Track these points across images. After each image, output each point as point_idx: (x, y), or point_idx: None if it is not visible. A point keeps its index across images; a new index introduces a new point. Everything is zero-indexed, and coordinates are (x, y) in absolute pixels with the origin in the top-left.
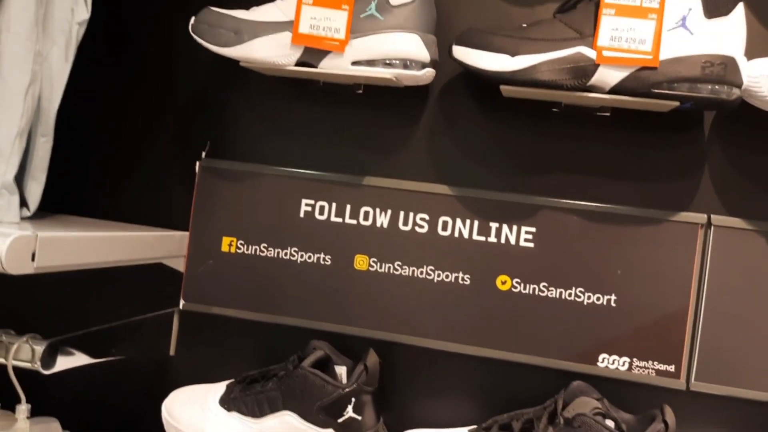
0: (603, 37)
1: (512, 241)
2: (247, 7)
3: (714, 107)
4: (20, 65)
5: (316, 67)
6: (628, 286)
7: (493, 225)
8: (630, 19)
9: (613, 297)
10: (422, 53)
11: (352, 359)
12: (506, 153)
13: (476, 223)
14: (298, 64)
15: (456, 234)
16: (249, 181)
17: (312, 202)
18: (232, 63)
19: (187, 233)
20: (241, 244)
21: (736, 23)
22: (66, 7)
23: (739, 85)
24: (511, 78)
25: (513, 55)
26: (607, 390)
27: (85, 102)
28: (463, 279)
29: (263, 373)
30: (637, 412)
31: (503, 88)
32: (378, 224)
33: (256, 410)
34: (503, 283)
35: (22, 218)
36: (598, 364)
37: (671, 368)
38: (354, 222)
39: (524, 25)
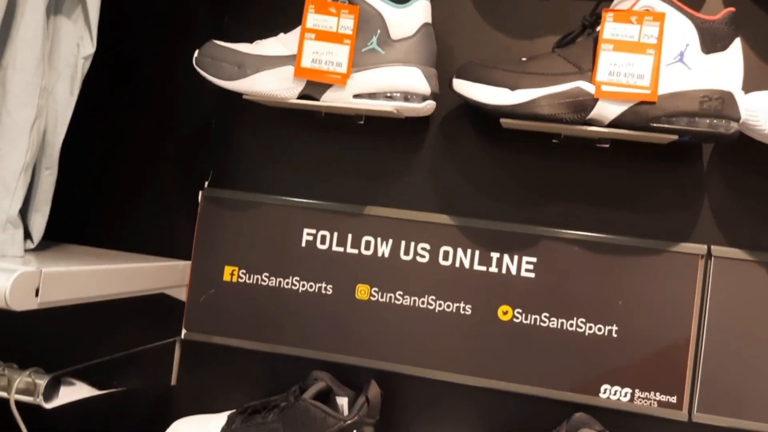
0: (602, 72)
1: (513, 271)
2: (249, 41)
3: (712, 140)
4: (26, 101)
5: (318, 99)
6: (629, 316)
7: (494, 255)
8: (628, 54)
9: (615, 327)
10: (423, 86)
11: (354, 390)
12: (507, 183)
13: (477, 252)
14: (300, 96)
15: (457, 264)
16: (251, 210)
17: (314, 231)
18: (235, 94)
19: (189, 262)
20: (243, 273)
21: (733, 58)
22: (72, 42)
23: (737, 119)
24: (510, 112)
25: (513, 89)
26: (609, 421)
27: (88, 131)
28: (464, 309)
29: (264, 403)
30: None
31: (503, 121)
32: (379, 254)
33: None
34: (505, 313)
35: (26, 250)
36: (600, 395)
37: (673, 399)
38: (355, 251)
39: (524, 59)
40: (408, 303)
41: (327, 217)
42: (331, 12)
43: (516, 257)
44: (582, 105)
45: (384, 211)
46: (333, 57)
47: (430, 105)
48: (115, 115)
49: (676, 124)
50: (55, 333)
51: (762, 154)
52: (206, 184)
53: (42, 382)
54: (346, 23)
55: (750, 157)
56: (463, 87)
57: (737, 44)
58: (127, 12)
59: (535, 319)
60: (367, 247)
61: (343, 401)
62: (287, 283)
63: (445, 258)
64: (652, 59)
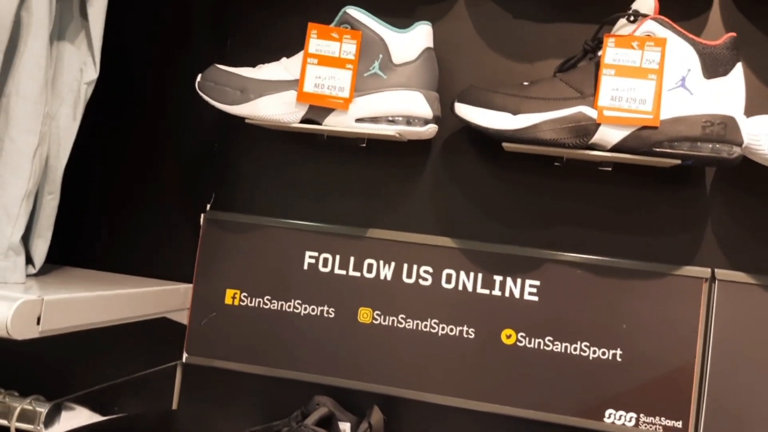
0: (604, 97)
1: (516, 294)
2: (252, 64)
3: (715, 164)
4: (29, 128)
5: (320, 124)
6: (633, 340)
7: (497, 278)
8: (630, 79)
9: (619, 351)
10: (425, 110)
11: (357, 415)
12: (509, 206)
13: (480, 276)
14: (303, 121)
15: (460, 287)
16: (253, 233)
17: (316, 254)
18: (238, 117)
19: (190, 286)
20: (244, 296)
21: (735, 83)
22: (75, 67)
23: (740, 144)
24: (513, 136)
25: (515, 113)
26: None
27: (91, 154)
28: (467, 333)
29: (266, 429)
30: None
31: (505, 144)
32: (382, 276)
33: None
34: (508, 337)
35: (28, 275)
36: (605, 419)
37: (678, 424)
38: (357, 274)
39: (525, 83)
40: (411, 326)
41: (329, 240)
42: (334, 37)
43: (519, 280)
44: (584, 130)
45: (386, 234)
46: (335, 82)
47: (432, 129)
48: (117, 137)
49: (679, 148)
50: (56, 358)
51: (765, 177)
52: (208, 206)
53: (43, 410)
54: (349, 48)
55: (753, 180)
56: (465, 111)
57: (739, 69)
58: (129, 36)
59: (539, 343)
60: (370, 270)
61: (345, 426)
62: (289, 307)
63: (448, 281)
64: (653, 84)
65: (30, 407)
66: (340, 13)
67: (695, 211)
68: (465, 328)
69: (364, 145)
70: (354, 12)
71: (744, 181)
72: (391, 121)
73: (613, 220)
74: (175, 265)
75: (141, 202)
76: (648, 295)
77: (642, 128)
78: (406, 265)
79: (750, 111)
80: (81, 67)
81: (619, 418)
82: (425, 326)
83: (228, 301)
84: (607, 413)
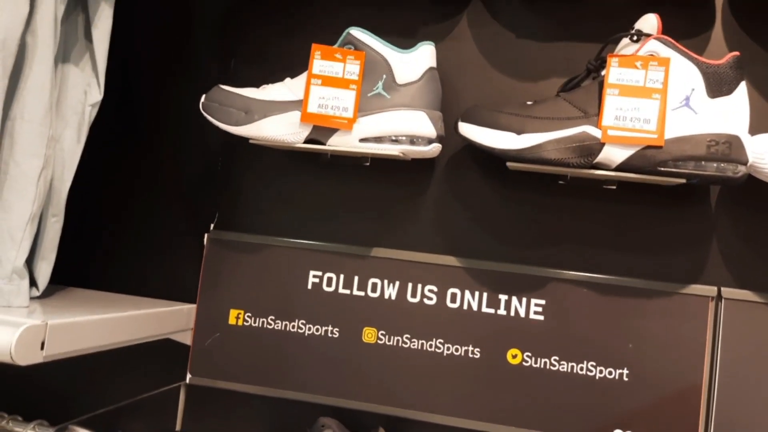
0: (608, 117)
1: (522, 313)
2: (255, 84)
3: (720, 183)
4: (34, 151)
5: (324, 144)
6: (640, 359)
7: (503, 297)
8: (634, 99)
9: (626, 371)
10: (429, 130)
11: None
12: (514, 224)
13: (485, 295)
14: (306, 141)
15: (465, 306)
16: (257, 252)
17: (320, 273)
18: (241, 137)
19: (194, 306)
20: (248, 316)
21: (739, 102)
22: (79, 89)
23: (745, 163)
24: (517, 156)
25: (519, 133)
26: None
27: (94, 175)
28: (473, 352)
29: None
30: None
31: (509, 164)
32: (386, 296)
33: None
34: (514, 356)
35: (31, 298)
36: None
37: None
38: (362, 294)
39: (529, 102)
40: (416, 346)
41: (333, 259)
42: (337, 58)
43: (524, 299)
44: (589, 149)
45: (390, 253)
46: (339, 102)
47: (435, 148)
48: (120, 158)
49: (684, 168)
50: (59, 381)
51: None
52: (212, 226)
53: None
54: (352, 69)
55: (758, 198)
56: (469, 131)
57: (743, 88)
58: (133, 57)
59: (545, 363)
60: (374, 290)
61: None
62: (293, 327)
63: (453, 300)
64: (658, 104)
65: None
66: (344, 34)
67: (701, 229)
68: (470, 348)
69: (368, 164)
70: (357, 33)
71: (749, 199)
72: (395, 140)
73: (618, 238)
74: (179, 285)
75: (145, 222)
76: (654, 314)
77: (646, 148)
78: (410, 285)
79: (754, 129)
80: (85, 89)
81: None
82: (430, 346)
83: (232, 321)
84: None
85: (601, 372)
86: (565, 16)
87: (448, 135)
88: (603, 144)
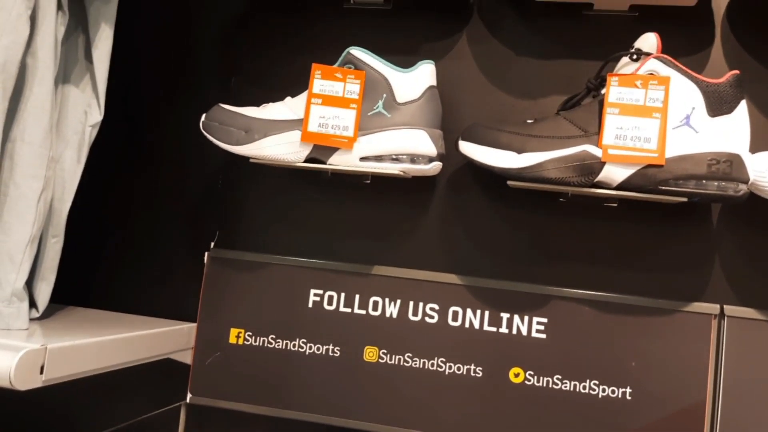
0: (608, 136)
1: (524, 332)
2: (256, 102)
3: (722, 201)
4: (34, 173)
5: (325, 163)
6: (643, 378)
7: (504, 315)
8: (634, 118)
9: (628, 390)
10: (429, 148)
11: None
12: (515, 242)
13: (487, 313)
14: (307, 160)
15: (467, 324)
16: (257, 271)
17: (320, 292)
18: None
19: (194, 325)
20: (249, 335)
21: (739, 120)
22: (79, 110)
23: (746, 181)
24: (518, 175)
25: (519, 152)
26: None
27: (95, 192)
28: (475, 371)
29: None
30: None
31: (510, 182)
32: (387, 314)
33: None
34: (516, 375)
35: (31, 319)
36: None
37: None
38: (363, 312)
39: (529, 120)
40: (417, 365)
41: (334, 278)
42: (338, 77)
43: (526, 318)
44: (589, 168)
45: (391, 271)
46: (339, 121)
47: (436, 166)
48: (121, 177)
49: (685, 186)
50: (59, 403)
51: None
52: (212, 244)
53: None
54: (353, 88)
55: (760, 215)
56: (470, 149)
57: (743, 106)
58: (133, 76)
59: (548, 382)
60: (375, 308)
61: None
62: (294, 346)
63: (455, 319)
64: (658, 123)
65: None
66: (344, 54)
67: (703, 246)
68: (472, 367)
69: (369, 181)
70: (357, 52)
71: (751, 216)
72: (396, 159)
73: (619, 256)
74: (179, 304)
75: (145, 241)
76: (657, 332)
77: (647, 166)
78: (412, 303)
79: (755, 146)
80: (86, 109)
81: None
82: (432, 365)
83: (232, 340)
84: None
85: (603, 391)
86: (564, 34)
87: (449, 153)
88: (604, 163)
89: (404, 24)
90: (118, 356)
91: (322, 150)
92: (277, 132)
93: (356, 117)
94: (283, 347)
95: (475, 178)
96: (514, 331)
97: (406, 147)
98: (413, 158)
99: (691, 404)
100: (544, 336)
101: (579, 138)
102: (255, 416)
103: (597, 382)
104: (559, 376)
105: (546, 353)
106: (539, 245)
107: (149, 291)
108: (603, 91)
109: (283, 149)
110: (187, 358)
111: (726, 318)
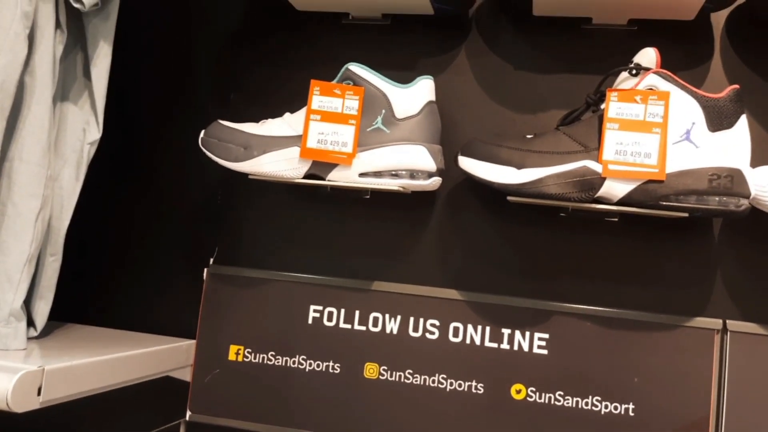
0: (608, 151)
1: (525, 347)
2: (254, 118)
3: (723, 216)
4: (32, 192)
5: (324, 179)
6: (645, 394)
7: (506, 331)
8: (634, 133)
9: (631, 406)
10: (428, 164)
11: None
12: (515, 257)
13: (488, 329)
14: (306, 176)
15: (468, 340)
16: (257, 287)
17: (320, 308)
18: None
19: (193, 342)
20: (248, 352)
21: (740, 135)
22: (78, 127)
23: (747, 196)
24: (518, 191)
25: (519, 167)
26: None
27: (93, 209)
28: (476, 388)
29: None
30: None
31: (510, 198)
32: (388, 330)
33: None
34: (518, 392)
35: (29, 338)
36: None
37: None
38: (363, 328)
39: (528, 136)
40: (418, 382)
41: (334, 294)
42: (336, 94)
43: (528, 333)
44: (590, 184)
45: (391, 287)
46: (338, 137)
47: (436, 181)
48: (120, 193)
49: (686, 202)
50: (57, 423)
51: None
52: (211, 261)
53: None
54: (351, 104)
55: (761, 230)
56: (469, 165)
57: (743, 121)
58: (132, 92)
59: (550, 398)
60: (375, 324)
61: None
62: (294, 362)
63: (455, 334)
64: (658, 138)
65: None
66: (343, 70)
67: (704, 261)
68: (473, 383)
69: (368, 196)
70: (356, 68)
71: (752, 231)
72: (395, 175)
73: (621, 270)
74: (178, 321)
75: (144, 258)
76: (659, 348)
77: (648, 182)
78: (412, 319)
79: (755, 161)
80: (84, 127)
81: None
82: (433, 381)
83: (232, 357)
84: None
85: (606, 407)
86: (563, 49)
87: (449, 168)
88: (604, 178)
89: (403, 39)
90: (116, 376)
91: (321, 166)
92: (276, 148)
93: (355, 133)
94: (283, 364)
95: (475, 193)
96: (516, 347)
97: (405, 162)
98: (412, 174)
99: (695, 420)
100: (545, 352)
101: (579, 153)
102: None
103: (599, 398)
104: (561, 393)
105: (548, 369)
106: (540, 260)
107: (148, 308)
108: (602, 106)
109: (282, 165)
110: (186, 375)
111: (729, 333)
